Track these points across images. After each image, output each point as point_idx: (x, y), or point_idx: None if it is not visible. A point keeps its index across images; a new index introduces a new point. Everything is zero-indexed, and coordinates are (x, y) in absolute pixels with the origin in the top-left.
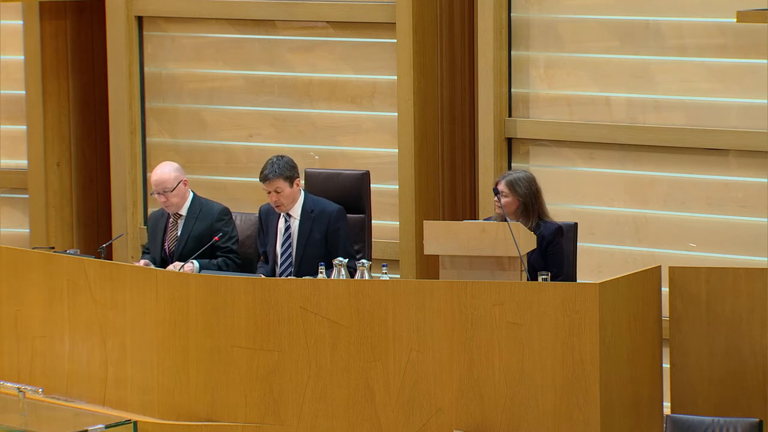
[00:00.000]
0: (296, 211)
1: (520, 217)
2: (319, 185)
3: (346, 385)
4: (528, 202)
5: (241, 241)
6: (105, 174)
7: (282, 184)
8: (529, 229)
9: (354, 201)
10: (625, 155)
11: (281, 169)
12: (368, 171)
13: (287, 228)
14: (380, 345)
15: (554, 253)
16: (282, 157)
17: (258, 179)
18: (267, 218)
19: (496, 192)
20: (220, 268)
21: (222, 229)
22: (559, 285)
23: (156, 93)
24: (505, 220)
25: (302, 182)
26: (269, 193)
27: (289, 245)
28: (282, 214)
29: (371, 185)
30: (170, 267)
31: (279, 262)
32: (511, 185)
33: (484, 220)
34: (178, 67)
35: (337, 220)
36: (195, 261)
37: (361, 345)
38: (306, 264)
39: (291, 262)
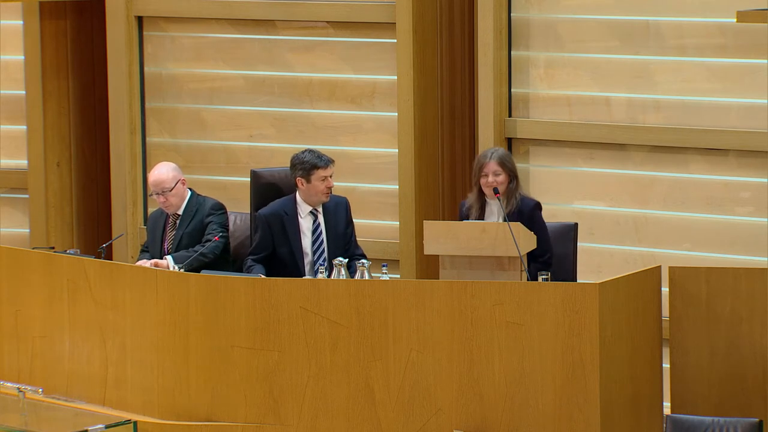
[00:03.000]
0: (319, 206)
1: (512, 194)
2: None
3: (346, 385)
4: (515, 176)
5: (241, 241)
6: (105, 174)
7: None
8: (515, 203)
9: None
10: (625, 155)
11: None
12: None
13: (317, 226)
14: (380, 345)
15: (538, 230)
16: None
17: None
18: (281, 221)
19: (496, 192)
20: (204, 257)
21: (212, 221)
22: (559, 285)
23: (156, 93)
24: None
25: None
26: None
27: (322, 241)
28: (304, 213)
29: (371, 185)
30: (146, 263)
31: (313, 260)
32: (502, 162)
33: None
34: (178, 67)
35: (350, 211)
36: (169, 257)
37: (361, 345)
38: (333, 256)
39: (324, 257)
